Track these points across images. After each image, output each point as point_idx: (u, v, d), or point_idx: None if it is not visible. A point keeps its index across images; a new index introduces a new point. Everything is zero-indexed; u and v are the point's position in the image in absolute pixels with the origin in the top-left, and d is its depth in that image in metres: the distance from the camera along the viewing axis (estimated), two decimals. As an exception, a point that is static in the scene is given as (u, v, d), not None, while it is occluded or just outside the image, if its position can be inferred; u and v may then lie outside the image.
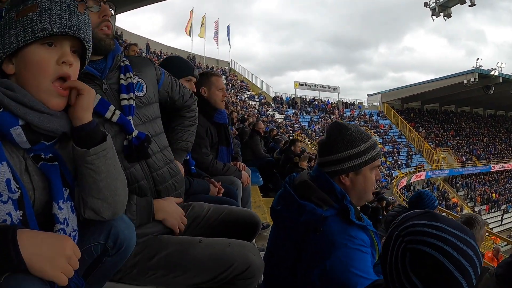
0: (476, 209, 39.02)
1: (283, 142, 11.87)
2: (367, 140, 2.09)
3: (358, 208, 2.16)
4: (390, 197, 24.80)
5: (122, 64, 2.11)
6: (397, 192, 32.44)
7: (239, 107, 33.60)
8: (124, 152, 1.99)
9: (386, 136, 44.53)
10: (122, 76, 2.08)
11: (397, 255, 1.39)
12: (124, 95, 2.04)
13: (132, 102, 2.05)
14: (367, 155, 2.07)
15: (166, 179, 2.20)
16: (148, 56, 30.73)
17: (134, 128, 2.02)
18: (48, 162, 1.40)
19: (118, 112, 1.97)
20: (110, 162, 1.49)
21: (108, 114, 1.94)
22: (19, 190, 1.27)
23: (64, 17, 1.40)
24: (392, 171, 38.36)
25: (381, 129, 46.06)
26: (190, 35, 47.32)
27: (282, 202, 2.17)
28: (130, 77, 2.10)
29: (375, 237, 2.00)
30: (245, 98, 41.88)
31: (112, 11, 2.04)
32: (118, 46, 2.10)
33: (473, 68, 40.07)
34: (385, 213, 12.66)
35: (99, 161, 1.45)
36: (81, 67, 1.55)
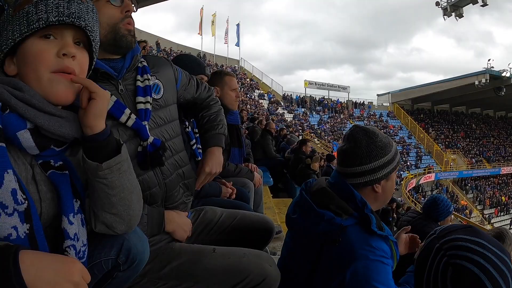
0: (485, 212, 38.81)
1: (296, 142, 11.76)
2: (392, 143, 2.02)
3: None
4: (399, 198, 24.70)
5: (139, 65, 2.02)
6: (406, 193, 32.29)
7: (248, 106, 33.61)
8: (137, 158, 1.89)
9: (395, 137, 44.24)
10: (139, 77, 1.98)
11: (438, 268, 1.39)
12: (140, 98, 1.94)
13: (148, 106, 1.95)
14: (397, 159, 2.00)
15: (176, 184, 2.11)
16: (159, 54, 30.82)
17: (149, 134, 1.92)
18: (58, 171, 1.29)
19: (133, 117, 1.86)
20: (125, 175, 1.38)
21: (123, 118, 1.83)
22: (26, 201, 1.16)
23: (62, 5, 1.29)
24: (401, 172, 38.12)
25: (391, 129, 45.85)
26: (201, 34, 47.50)
27: (299, 210, 2.08)
28: (148, 79, 1.99)
29: (394, 247, 1.92)
30: (254, 97, 41.93)
31: (134, 8, 1.95)
32: (138, 46, 2.00)
33: (484, 69, 39.80)
34: (394, 215, 12.60)
35: (112, 175, 1.33)
36: (90, 63, 1.44)
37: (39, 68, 1.27)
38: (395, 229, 7.02)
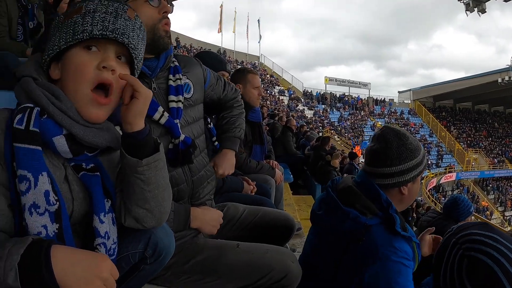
0: (507, 214, 38.18)
1: (316, 139, 11.75)
2: (421, 146, 2.02)
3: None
4: (419, 198, 24.50)
5: (172, 64, 2.05)
6: (426, 193, 31.94)
7: (268, 102, 33.61)
8: (168, 155, 1.90)
9: (416, 135, 43.56)
10: (171, 76, 2.02)
11: (454, 261, 1.43)
12: (172, 97, 1.98)
13: (180, 105, 1.99)
14: (424, 162, 2.01)
15: (202, 181, 2.15)
16: (178, 51, 30.99)
17: (181, 132, 1.96)
18: (89, 173, 1.34)
19: (166, 114, 1.92)
20: (160, 173, 1.41)
21: (156, 116, 1.89)
22: (58, 202, 1.21)
23: (108, 20, 1.32)
24: (422, 171, 37.67)
25: (412, 127, 45.39)
26: (221, 31, 47.64)
27: (324, 207, 2.09)
28: (180, 79, 2.03)
29: (417, 249, 1.91)
30: (274, 93, 41.89)
31: (171, 9, 1.96)
32: (171, 47, 2.04)
33: (507, 66, 39.15)
34: (414, 215, 12.52)
35: (150, 172, 1.36)
36: None
37: (79, 80, 1.30)
38: (415, 228, 6.97)
